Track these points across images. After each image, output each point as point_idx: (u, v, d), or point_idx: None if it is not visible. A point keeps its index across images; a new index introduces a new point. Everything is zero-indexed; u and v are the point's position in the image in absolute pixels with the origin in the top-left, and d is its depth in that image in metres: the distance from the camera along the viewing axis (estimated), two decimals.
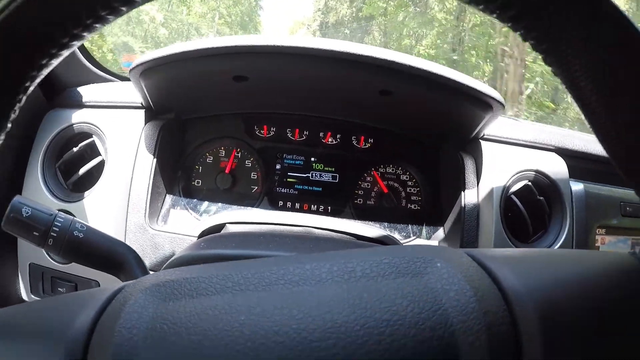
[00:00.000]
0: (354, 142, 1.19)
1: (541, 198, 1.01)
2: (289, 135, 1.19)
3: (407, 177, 1.18)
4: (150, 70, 0.94)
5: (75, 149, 1.03)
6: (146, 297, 0.33)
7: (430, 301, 0.31)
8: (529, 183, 1.02)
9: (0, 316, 0.36)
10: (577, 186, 1.04)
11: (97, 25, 0.32)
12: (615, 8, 0.31)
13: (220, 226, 0.83)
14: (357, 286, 0.33)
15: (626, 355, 0.32)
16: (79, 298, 0.37)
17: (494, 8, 0.33)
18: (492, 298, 0.32)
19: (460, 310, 0.31)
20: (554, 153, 1.08)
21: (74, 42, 0.33)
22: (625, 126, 0.33)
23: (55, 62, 0.34)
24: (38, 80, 0.34)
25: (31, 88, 0.34)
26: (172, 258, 0.64)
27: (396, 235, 1.10)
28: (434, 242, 1.10)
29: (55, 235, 0.63)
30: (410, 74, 0.91)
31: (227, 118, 1.17)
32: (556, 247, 0.99)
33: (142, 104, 1.06)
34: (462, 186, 1.04)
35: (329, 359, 0.28)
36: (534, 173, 1.03)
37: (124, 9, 0.32)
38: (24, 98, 0.34)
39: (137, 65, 0.92)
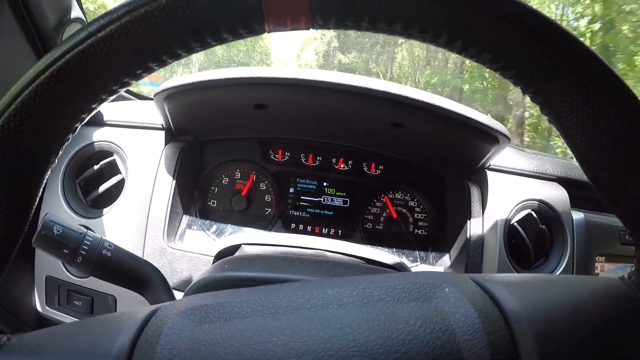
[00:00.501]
0: (365, 169, 1.23)
1: (543, 227, 1.05)
2: (303, 160, 1.23)
3: (415, 204, 1.23)
4: (175, 96, 0.98)
5: (96, 167, 1.06)
6: (182, 320, 0.36)
7: (440, 322, 0.35)
8: (532, 212, 1.06)
9: (39, 337, 0.38)
10: (578, 215, 1.08)
11: (198, 49, 0.36)
12: (601, 65, 0.35)
13: (236, 247, 0.87)
14: (375, 309, 0.36)
15: None
16: (117, 319, 0.39)
17: (485, 61, 0.37)
18: (493, 319, 0.36)
19: (465, 330, 0.34)
20: (556, 183, 1.12)
21: (133, 81, 0.37)
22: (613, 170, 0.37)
23: (110, 99, 0.38)
24: (94, 112, 0.38)
25: (87, 119, 0.38)
26: (199, 278, 0.67)
27: (403, 260, 1.14)
28: (439, 268, 1.14)
29: (84, 253, 0.66)
30: (421, 108, 0.95)
31: (244, 142, 1.22)
32: (557, 273, 1.02)
33: (162, 125, 1.11)
34: (467, 214, 1.08)
35: None
36: (536, 202, 1.07)
37: (230, 39, 0.36)
38: (79, 128, 0.38)
39: (163, 90, 0.96)
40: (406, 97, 0.94)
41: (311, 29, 0.36)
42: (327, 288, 0.39)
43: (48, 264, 1.04)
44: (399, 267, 0.88)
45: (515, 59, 0.36)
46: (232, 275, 0.66)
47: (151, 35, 0.34)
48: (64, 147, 0.38)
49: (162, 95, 0.98)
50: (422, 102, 0.94)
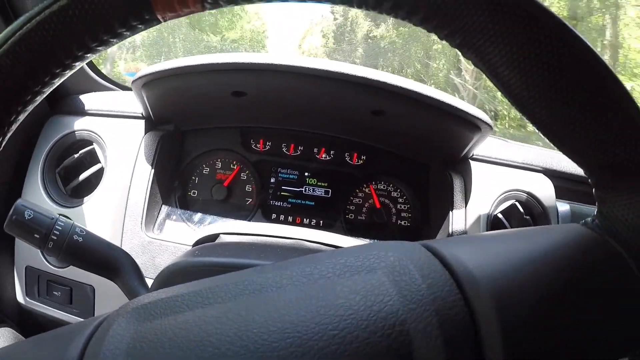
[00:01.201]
0: (347, 159, 1.24)
1: (527, 217, 1.05)
2: (284, 150, 1.23)
3: (397, 195, 1.23)
4: (153, 83, 0.99)
5: (75, 156, 1.07)
6: (127, 320, 0.36)
7: (381, 294, 0.33)
8: (516, 203, 1.06)
9: None
10: (563, 206, 1.09)
11: (101, 48, 0.36)
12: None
13: (215, 236, 0.87)
14: (314, 288, 0.35)
15: (581, 321, 0.34)
16: (68, 331, 0.39)
17: (404, 14, 0.35)
18: (442, 283, 0.34)
19: (410, 299, 0.33)
20: (541, 174, 1.12)
21: (77, 64, 0.37)
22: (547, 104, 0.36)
23: (57, 82, 0.38)
24: (39, 97, 0.38)
25: (32, 105, 0.38)
26: (168, 265, 0.67)
27: None
28: None
29: (55, 238, 0.66)
30: (401, 95, 0.96)
31: (224, 131, 1.22)
32: None
33: (142, 114, 1.11)
34: (450, 205, 1.08)
35: (287, 356, 0.31)
36: (521, 193, 1.08)
37: (127, 33, 0.36)
38: (24, 113, 0.38)
39: (140, 77, 0.97)
40: (385, 83, 0.94)
41: (203, 10, 0.35)
42: (267, 272, 0.39)
43: (28, 255, 1.05)
44: None
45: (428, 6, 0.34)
46: (199, 260, 0.66)
47: (49, 41, 0.34)
48: (15, 121, 0.38)
49: (140, 82, 0.98)
50: (402, 88, 0.94)
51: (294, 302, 0.34)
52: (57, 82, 0.37)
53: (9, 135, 0.38)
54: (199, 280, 0.40)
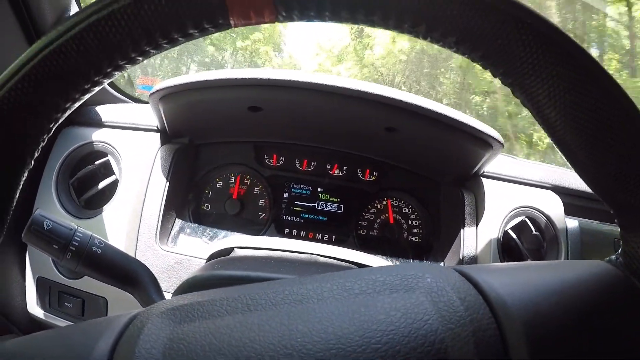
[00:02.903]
0: (360, 175, 1.28)
1: (537, 233, 1.09)
2: (297, 165, 1.27)
3: (409, 211, 1.27)
4: (170, 96, 1.02)
5: (90, 167, 1.10)
6: (162, 320, 0.37)
7: (421, 312, 0.35)
8: (526, 219, 1.10)
9: (21, 344, 0.39)
10: (572, 223, 1.12)
11: (168, 46, 0.38)
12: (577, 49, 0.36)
13: (229, 250, 0.90)
14: (355, 302, 0.37)
15: (602, 353, 0.36)
16: (98, 325, 0.40)
17: (452, 44, 0.38)
18: (477, 307, 0.36)
19: (448, 319, 0.35)
20: (550, 191, 1.16)
21: (141, 59, 0.39)
22: (597, 155, 0.38)
23: (84, 98, 0.39)
24: (67, 113, 0.40)
25: (62, 118, 0.40)
26: (188, 277, 0.68)
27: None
28: None
29: (74, 249, 0.68)
30: (414, 112, 1.00)
31: (238, 145, 1.26)
32: None
33: (157, 127, 1.15)
34: (461, 222, 1.12)
35: None
36: (531, 209, 1.11)
37: (197, 34, 0.38)
38: (53, 128, 0.40)
39: (158, 90, 1.01)
40: (399, 101, 0.98)
41: (276, 22, 0.38)
42: (307, 283, 0.40)
43: (40, 265, 1.07)
44: None
45: (479, 39, 0.37)
46: (220, 274, 0.68)
47: (119, 33, 0.36)
48: (39, 147, 0.40)
49: (157, 95, 1.02)
50: (415, 105, 0.98)
51: (336, 315, 0.36)
52: (118, 74, 0.39)
53: (64, 116, 0.40)
54: (234, 287, 0.42)
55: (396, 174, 1.28)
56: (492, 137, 1.02)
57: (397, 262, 1.18)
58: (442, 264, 1.17)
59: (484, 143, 1.05)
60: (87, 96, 0.40)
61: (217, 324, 0.36)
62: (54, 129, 0.40)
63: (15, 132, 0.38)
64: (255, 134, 1.25)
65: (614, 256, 0.43)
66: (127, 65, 0.39)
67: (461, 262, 1.08)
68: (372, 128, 1.12)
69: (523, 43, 0.36)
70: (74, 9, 1.09)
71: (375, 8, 0.36)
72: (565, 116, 0.38)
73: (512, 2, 0.36)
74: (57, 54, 0.36)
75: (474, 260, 1.08)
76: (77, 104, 0.40)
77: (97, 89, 0.40)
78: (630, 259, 0.41)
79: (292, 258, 0.88)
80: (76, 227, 0.70)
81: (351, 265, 0.90)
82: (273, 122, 1.18)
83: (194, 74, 0.99)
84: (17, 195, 0.40)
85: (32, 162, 0.40)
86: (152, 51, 0.38)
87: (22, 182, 0.40)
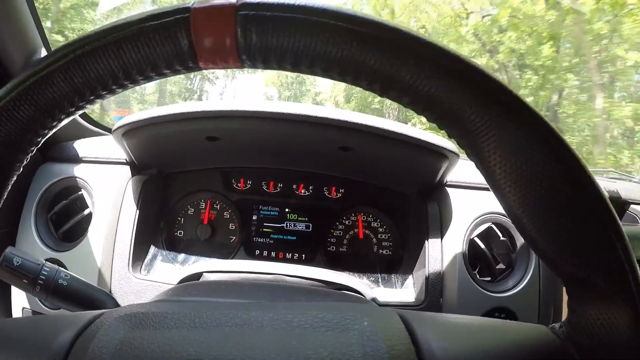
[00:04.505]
0: (326, 193, 1.34)
1: (504, 239, 1.12)
2: (264, 187, 1.34)
3: (377, 225, 1.32)
4: (131, 132, 1.10)
5: (64, 202, 1.18)
6: (118, 323, 0.42)
7: (348, 353, 0.39)
8: (492, 225, 1.14)
9: None
10: None
11: (143, 81, 0.43)
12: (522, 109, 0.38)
13: (198, 275, 0.97)
14: (290, 334, 0.41)
15: None
16: (65, 319, 0.45)
17: (406, 103, 0.41)
18: (405, 356, 0.39)
19: None
20: None
21: (119, 91, 0.44)
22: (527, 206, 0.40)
23: (94, 103, 0.45)
24: (74, 115, 0.45)
25: (47, 136, 0.46)
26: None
27: (366, 282, 1.22)
28: (404, 290, 1.21)
29: (42, 282, 0.75)
30: (362, 131, 1.06)
31: (205, 172, 1.34)
32: (523, 284, 1.09)
33: (126, 160, 1.23)
34: (426, 233, 1.16)
35: None
36: (497, 215, 1.14)
37: (169, 73, 0.43)
38: (28, 158, 0.46)
39: (119, 127, 1.09)
40: (345, 122, 1.04)
41: (242, 67, 0.43)
42: (252, 310, 0.45)
43: (24, 297, 1.14)
44: (348, 288, 0.98)
45: (433, 102, 0.40)
46: (178, 300, 0.76)
47: (101, 68, 0.41)
48: (19, 167, 0.46)
49: (120, 131, 1.10)
50: (362, 124, 1.04)
51: (269, 344, 0.40)
52: (94, 103, 0.45)
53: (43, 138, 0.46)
54: (187, 304, 0.48)
55: (362, 190, 1.34)
56: (446, 149, 1.06)
57: (365, 277, 1.24)
58: (410, 278, 1.22)
59: (438, 154, 1.09)
60: (70, 118, 0.46)
61: (164, 334, 0.42)
62: (35, 149, 0.46)
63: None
64: (220, 161, 1.32)
65: (558, 324, 0.45)
66: (106, 95, 0.44)
67: (427, 275, 1.12)
68: (327, 148, 1.18)
69: (470, 104, 0.40)
70: (42, 51, 1.18)
71: (334, 64, 0.40)
72: (514, 186, 0.41)
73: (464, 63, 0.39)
74: (43, 83, 0.42)
75: (438, 272, 1.12)
76: (61, 125, 0.46)
77: (78, 113, 0.46)
78: (573, 329, 0.43)
79: (256, 281, 0.95)
80: (43, 262, 0.78)
81: (315, 282, 0.97)
82: (233, 149, 1.25)
83: (150, 110, 1.07)
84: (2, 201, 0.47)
85: (15, 177, 0.47)
86: (129, 85, 0.44)
87: (5, 194, 0.47)
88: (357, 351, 0.39)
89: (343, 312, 0.45)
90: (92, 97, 0.44)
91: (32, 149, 0.46)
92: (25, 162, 0.47)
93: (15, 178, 0.47)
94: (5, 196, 0.47)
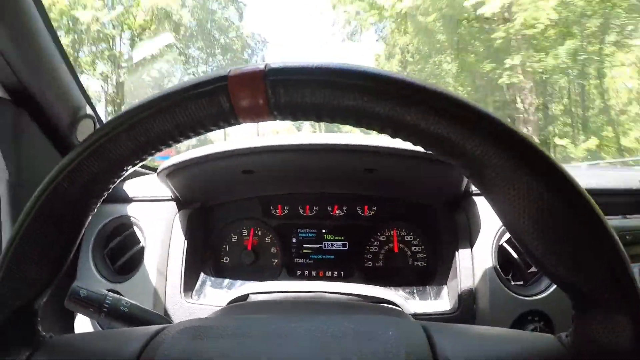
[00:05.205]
0: (359, 211, 1.41)
1: None
2: (301, 211, 1.43)
3: (411, 238, 1.38)
4: (174, 172, 1.22)
5: (119, 238, 1.33)
6: (180, 335, 0.51)
7: (371, 359, 0.45)
8: None
9: (72, 339, 0.56)
10: None
11: (192, 135, 0.51)
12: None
13: (245, 296, 1.09)
14: (325, 342, 0.49)
15: None
16: (134, 332, 0.54)
17: (415, 142, 0.46)
18: None
19: None
20: None
21: (172, 144, 0.52)
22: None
23: (126, 174, 0.54)
24: (110, 189, 0.55)
25: (111, 189, 0.55)
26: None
27: (402, 294, 1.28)
28: (438, 301, 1.26)
29: (106, 310, 0.86)
30: (383, 153, 1.14)
31: (245, 202, 1.44)
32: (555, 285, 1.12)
33: (171, 196, 1.35)
34: (456, 244, 1.22)
35: None
36: None
37: (214, 129, 0.51)
38: (101, 201, 0.55)
39: (163, 169, 1.21)
40: (365, 146, 1.12)
41: (274, 120, 0.50)
42: (293, 323, 0.53)
43: (87, 323, 1.26)
44: (385, 302, 1.07)
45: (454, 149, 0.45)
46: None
47: (159, 128, 0.49)
48: (94, 209, 0.55)
49: (164, 173, 1.22)
50: (384, 148, 1.12)
51: (307, 350, 0.48)
52: (154, 155, 0.54)
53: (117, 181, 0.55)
54: (238, 317, 0.59)
55: (393, 205, 1.41)
56: None
57: (401, 290, 1.30)
58: (445, 288, 1.28)
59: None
60: (127, 173, 0.55)
61: (220, 343, 0.50)
62: (102, 199, 0.55)
63: (74, 202, 0.53)
64: (259, 190, 1.43)
65: (565, 333, 0.48)
66: (163, 149, 0.53)
67: (459, 285, 1.17)
68: (354, 171, 1.27)
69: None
70: (86, 109, 1.30)
71: (350, 116, 0.46)
72: (516, 210, 0.44)
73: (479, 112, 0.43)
74: (101, 150, 0.51)
75: (470, 281, 1.17)
76: (120, 179, 0.55)
77: (140, 163, 0.54)
78: (577, 339, 0.46)
79: (299, 299, 1.05)
80: (107, 292, 0.88)
81: (354, 297, 1.07)
82: (268, 179, 1.36)
83: (188, 152, 1.19)
84: (77, 243, 0.57)
85: (89, 218, 0.56)
86: (182, 139, 0.52)
87: (79, 239, 0.56)
88: (380, 357, 0.45)
89: (371, 323, 0.52)
90: (153, 151, 0.52)
91: (105, 194, 0.55)
92: (99, 204, 0.56)
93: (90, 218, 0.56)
94: (83, 232, 0.56)
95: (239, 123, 0.50)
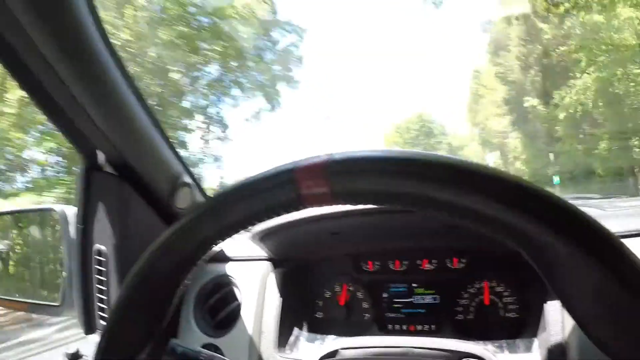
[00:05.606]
0: (448, 265, 1.42)
1: None
2: (391, 266, 1.46)
3: (502, 289, 1.37)
4: (266, 236, 1.33)
5: (218, 295, 1.44)
6: None
7: None
8: None
9: None
10: None
11: (266, 219, 0.60)
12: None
13: (334, 352, 1.14)
14: None
15: None
16: None
17: (479, 226, 0.52)
18: None
19: None
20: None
21: (247, 228, 0.62)
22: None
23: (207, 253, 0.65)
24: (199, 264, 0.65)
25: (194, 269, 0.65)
26: None
27: (490, 348, 1.25)
28: (528, 355, 1.23)
29: None
30: None
31: (337, 259, 1.50)
32: None
33: (265, 256, 1.44)
34: (545, 294, 1.19)
35: None
36: None
37: (284, 213, 0.59)
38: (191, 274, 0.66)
39: (256, 233, 1.31)
40: None
41: (337, 204, 0.55)
42: None
43: None
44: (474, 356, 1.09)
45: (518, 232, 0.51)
46: None
47: (239, 213, 0.59)
48: (188, 278, 0.66)
49: (257, 237, 1.33)
50: None
51: None
52: (226, 239, 0.63)
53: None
54: None
55: (483, 256, 1.40)
56: None
57: (490, 344, 1.28)
58: (535, 341, 1.24)
59: None
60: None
61: None
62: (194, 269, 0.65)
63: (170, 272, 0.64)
64: (349, 247, 1.49)
65: None
66: (241, 231, 0.62)
67: (549, 338, 1.14)
68: (437, 227, 1.29)
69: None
70: (184, 177, 1.42)
71: (408, 200, 0.51)
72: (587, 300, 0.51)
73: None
74: (196, 226, 0.61)
75: (559, 334, 1.13)
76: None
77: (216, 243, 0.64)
78: None
79: (387, 353, 1.09)
80: (200, 349, 0.96)
81: (442, 353, 1.09)
82: (356, 238, 1.43)
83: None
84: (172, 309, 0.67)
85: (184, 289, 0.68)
86: (256, 223, 0.61)
87: (172, 307, 0.67)
88: None
89: None
90: (232, 233, 0.61)
91: (195, 268, 0.65)
92: (189, 277, 0.66)
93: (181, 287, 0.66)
94: (176, 299, 0.67)
95: (304, 208, 0.56)
